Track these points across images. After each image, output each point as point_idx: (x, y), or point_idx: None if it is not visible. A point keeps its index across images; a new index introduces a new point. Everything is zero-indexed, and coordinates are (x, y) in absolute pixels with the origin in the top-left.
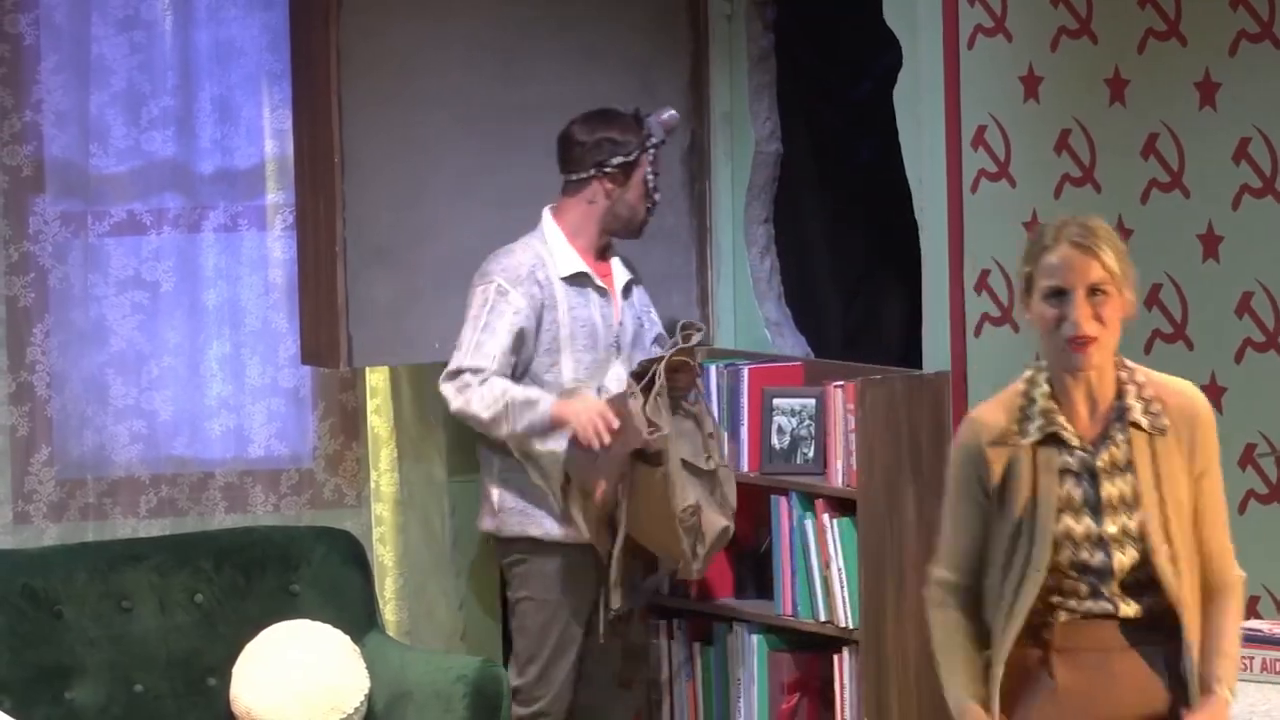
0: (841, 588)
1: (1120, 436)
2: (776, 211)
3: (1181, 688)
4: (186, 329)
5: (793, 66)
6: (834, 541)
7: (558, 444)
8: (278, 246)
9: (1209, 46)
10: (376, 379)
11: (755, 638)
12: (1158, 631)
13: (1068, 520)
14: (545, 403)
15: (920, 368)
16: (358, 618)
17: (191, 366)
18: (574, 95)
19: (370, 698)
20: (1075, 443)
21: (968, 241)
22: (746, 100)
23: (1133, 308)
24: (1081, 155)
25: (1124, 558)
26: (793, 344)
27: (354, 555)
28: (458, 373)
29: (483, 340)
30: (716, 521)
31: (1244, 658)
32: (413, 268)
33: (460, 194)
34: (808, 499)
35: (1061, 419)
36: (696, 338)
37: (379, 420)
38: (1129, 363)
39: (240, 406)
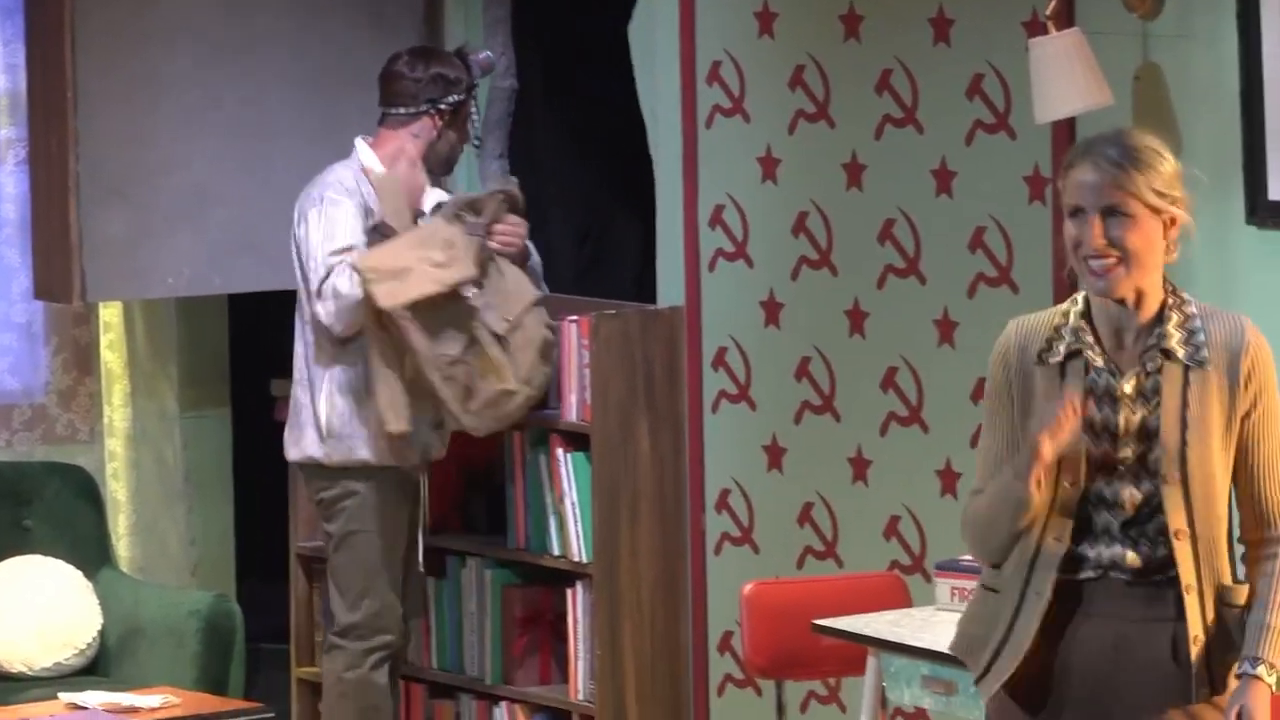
0: (575, 522)
1: (1151, 365)
2: (512, 147)
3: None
4: None
5: (529, 1)
6: (568, 476)
7: None
8: (10, 181)
9: None
10: (110, 314)
11: (489, 572)
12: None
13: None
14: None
15: (655, 302)
16: (90, 553)
17: None
18: (305, 28)
19: (103, 633)
20: (1099, 363)
21: (701, 177)
22: (481, 35)
23: (1168, 233)
24: (816, 91)
25: (1135, 492)
26: None
27: (87, 490)
28: (320, 286)
29: (332, 232)
30: (492, 384)
31: None
32: (146, 203)
33: (194, 128)
34: (542, 433)
35: (1089, 339)
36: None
37: (112, 355)
38: (1185, 294)
39: None
